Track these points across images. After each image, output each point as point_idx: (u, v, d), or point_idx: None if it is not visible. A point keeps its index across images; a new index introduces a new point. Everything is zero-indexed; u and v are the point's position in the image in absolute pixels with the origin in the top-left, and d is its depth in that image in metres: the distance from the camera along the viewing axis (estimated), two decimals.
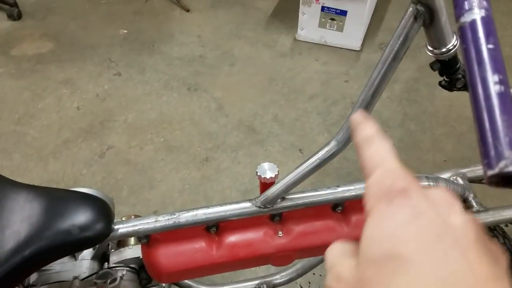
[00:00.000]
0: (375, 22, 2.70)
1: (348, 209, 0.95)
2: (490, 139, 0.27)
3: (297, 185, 0.88)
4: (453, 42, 0.69)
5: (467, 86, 0.59)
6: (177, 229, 0.82)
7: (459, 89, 0.77)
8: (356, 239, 0.99)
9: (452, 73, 0.73)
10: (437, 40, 0.69)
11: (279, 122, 2.11)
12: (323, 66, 2.44)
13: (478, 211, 0.95)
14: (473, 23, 0.31)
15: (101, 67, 2.42)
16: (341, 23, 2.40)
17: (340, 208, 0.95)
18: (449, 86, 0.76)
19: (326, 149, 0.85)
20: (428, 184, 0.93)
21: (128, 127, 2.08)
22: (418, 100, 2.22)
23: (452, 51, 0.69)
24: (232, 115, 2.15)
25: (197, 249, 0.85)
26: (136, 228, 0.82)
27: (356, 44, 2.49)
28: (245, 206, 0.89)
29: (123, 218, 1.05)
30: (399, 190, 0.29)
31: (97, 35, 2.64)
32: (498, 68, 0.29)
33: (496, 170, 0.26)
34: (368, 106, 0.77)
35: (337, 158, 2.16)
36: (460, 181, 1.04)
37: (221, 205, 0.88)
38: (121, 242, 1.04)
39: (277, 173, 0.92)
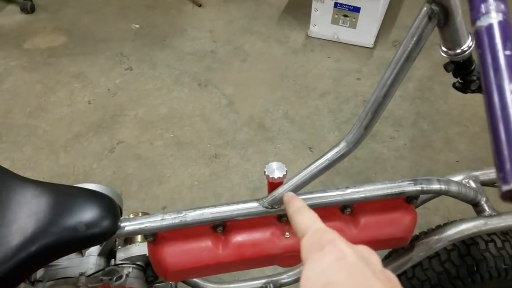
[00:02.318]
0: (389, 19, 2.66)
1: (357, 211, 0.94)
2: (506, 152, 0.26)
3: (306, 185, 0.87)
4: (468, 43, 0.67)
5: (482, 88, 0.57)
6: (183, 227, 0.81)
7: (473, 91, 0.75)
8: (364, 241, 0.98)
9: (467, 74, 0.71)
10: (451, 40, 0.67)
11: (289, 119, 2.10)
12: (335, 63, 2.41)
13: (490, 216, 0.93)
14: (490, 27, 0.30)
15: (113, 61, 2.42)
16: (354, 20, 2.37)
17: (349, 210, 0.94)
18: (463, 88, 0.74)
19: (335, 150, 0.84)
20: (440, 188, 0.91)
21: (138, 122, 2.09)
22: (432, 99, 2.18)
23: (467, 52, 0.67)
24: (242, 111, 2.14)
25: (203, 248, 0.85)
26: (142, 226, 0.82)
27: (369, 41, 2.45)
28: (252, 206, 0.88)
29: (131, 215, 1.05)
30: (328, 240, 0.38)
31: (109, 29, 2.64)
32: None
33: (508, 187, 0.25)
34: (379, 106, 0.76)
35: (348, 157, 2.13)
36: (473, 184, 1.02)
37: (228, 204, 0.87)
38: (128, 239, 1.04)
39: (285, 173, 0.90)
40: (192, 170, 1.87)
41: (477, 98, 2.13)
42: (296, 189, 0.87)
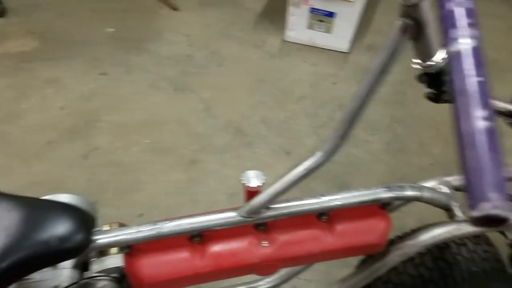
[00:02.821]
0: (364, 24, 2.70)
1: (333, 218, 0.95)
2: (473, 179, 0.26)
3: (283, 195, 0.87)
4: (441, 55, 0.69)
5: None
6: (159, 239, 0.80)
7: (445, 101, 0.77)
8: (340, 248, 0.99)
9: (439, 85, 0.73)
10: (424, 53, 0.69)
11: (267, 124, 2.11)
12: (311, 67, 2.43)
13: (462, 221, 0.96)
14: (461, 53, 0.30)
15: (87, 66, 2.38)
16: (329, 25, 2.40)
17: (325, 217, 0.95)
18: (436, 98, 0.76)
19: (313, 159, 0.84)
20: (413, 194, 0.93)
21: (113, 128, 2.06)
22: (405, 103, 2.23)
23: (439, 64, 0.69)
24: (220, 116, 2.13)
25: (180, 259, 0.84)
26: (117, 238, 0.81)
27: (344, 46, 2.49)
28: (230, 216, 0.88)
29: (106, 226, 1.03)
30: None
31: (84, 33, 2.59)
32: (485, 103, 0.28)
33: (479, 213, 0.26)
34: (355, 117, 0.77)
35: None
36: (445, 190, 1.04)
37: (205, 214, 0.87)
38: (104, 250, 1.02)
39: (263, 181, 0.91)
40: (169, 176, 1.85)
41: (443, 107, 2.19)
42: (273, 198, 0.88)
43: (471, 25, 0.31)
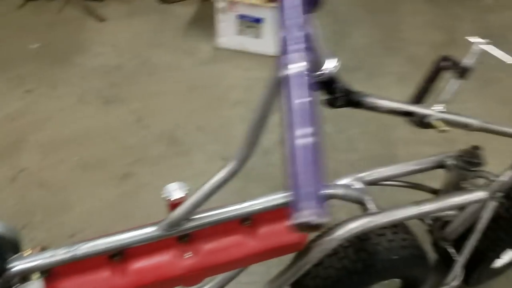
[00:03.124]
0: None
1: (256, 222, 0.98)
2: (294, 190, 0.30)
3: (201, 205, 0.89)
4: (328, 64, 0.74)
5: (350, 103, 0.65)
6: (77, 261, 0.80)
7: (340, 106, 0.82)
8: (264, 250, 1.02)
9: (333, 91, 0.78)
10: (313, 63, 0.74)
11: (202, 131, 2.11)
12: (244, 72, 2.47)
13: (373, 213, 1.02)
14: (290, 76, 0.34)
15: (11, 84, 2.27)
16: (258, 30, 2.45)
17: (248, 222, 0.97)
18: (331, 103, 0.81)
19: (227, 169, 0.87)
20: (327, 193, 0.98)
21: (41, 146, 1.98)
22: None
23: (328, 72, 0.74)
24: (152, 126, 2.11)
25: (100, 279, 0.84)
26: (33, 264, 0.79)
27: (275, 49, 2.54)
28: (149, 231, 0.89)
29: (27, 251, 1.00)
30: None
31: (6, 50, 2.48)
32: (308, 121, 0.31)
33: (295, 220, 0.29)
34: (259, 128, 0.80)
35: (261, 164, 2.20)
36: (358, 185, 1.10)
37: (123, 232, 0.87)
38: (26, 275, 0.99)
39: (187, 192, 0.92)
40: (101, 193, 1.81)
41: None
42: (193, 209, 0.90)
43: (302, 50, 0.35)
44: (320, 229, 0.31)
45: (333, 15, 2.90)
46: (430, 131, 1.05)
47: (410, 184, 1.23)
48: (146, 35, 2.65)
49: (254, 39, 2.49)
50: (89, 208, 1.76)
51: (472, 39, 1.04)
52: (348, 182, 1.11)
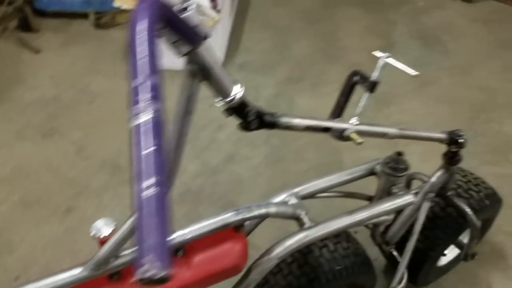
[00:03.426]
0: (233, 44, 2.79)
1: (189, 251, 0.96)
2: (138, 243, 0.28)
3: (127, 241, 0.86)
4: (236, 90, 0.74)
5: (264, 124, 0.65)
6: None
7: (256, 129, 0.82)
8: (200, 279, 0.99)
9: (245, 116, 0.78)
10: (221, 91, 0.74)
11: None
12: None
13: (309, 227, 1.02)
14: (139, 127, 0.33)
15: None
16: None
17: (181, 252, 0.95)
18: (246, 127, 0.81)
19: None
20: (259, 213, 0.98)
21: None
22: None
23: (238, 97, 0.74)
24: (94, 156, 2.05)
25: None
26: None
27: None
28: (76, 273, 0.85)
29: None
30: None
31: None
32: (153, 171, 0.30)
33: (140, 275, 0.28)
34: (176, 155, 0.79)
35: (209, 184, 2.16)
36: (294, 201, 1.11)
37: (48, 276, 0.83)
38: None
39: (114, 227, 0.89)
40: (44, 231, 1.74)
41: (318, 109, 2.34)
42: (120, 246, 0.87)
43: (150, 100, 0.34)
44: (166, 282, 0.30)
45: (273, 29, 2.94)
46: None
47: (345, 193, 1.25)
48: (83, 63, 2.59)
49: None
50: (33, 247, 1.68)
51: (377, 53, 1.07)
52: (284, 198, 1.12)
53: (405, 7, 3.26)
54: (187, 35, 0.61)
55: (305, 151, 2.14)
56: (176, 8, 0.61)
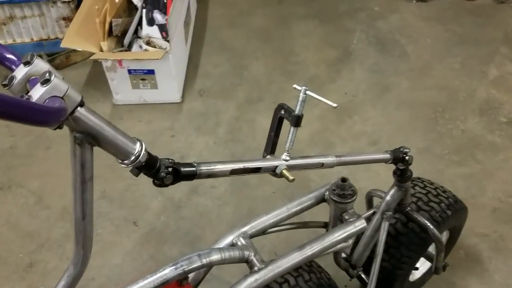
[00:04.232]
0: (192, 69, 2.75)
1: None
2: None
3: None
4: (138, 148, 0.69)
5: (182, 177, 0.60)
6: None
7: (172, 183, 0.78)
8: None
9: (157, 172, 0.74)
10: (119, 153, 0.69)
11: (107, 198, 2.01)
12: (147, 125, 2.40)
13: (259, 270, 0.97)
14: None
15: None
16: (153, 81, 2.39)
17: None
18: (160, 184, 0.76)
19: (66, 274, 0.80)
20: (202, 263, 0.92)
21: None
22: (242, 138, 2.29)
23: (141, 155, 0.69)
24: (54, 205, 1.98)
25: None
26: None
27: (175, 97, 2.50)
28: None
29: None
30: None
31: None
32: None
33: None
34: (87, 226, 0.74)
35: (173, 220, 2.10)
36: (242, 241, 1.05)
37: None
38: None
39: None
40: None
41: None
42: None
43: None
44: None
45: (230, 50, 2.91)
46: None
47: (298, 224, 1.21)
48: None
49: (151, 90, 2.44)
50: None
51: (296, 87, 1.04)
52: (233, 239, 1.06)
53: (361, 13, 3.27)
54: (35, 119, 0.51)
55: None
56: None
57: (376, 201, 1.38)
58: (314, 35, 3.05)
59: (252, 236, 1.07)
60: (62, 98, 0.56)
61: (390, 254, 1.31)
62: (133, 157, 0.68)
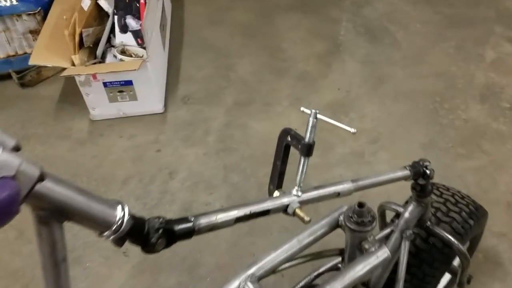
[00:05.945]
0: (173, 75, 2.59)
1: None
2: None
3: None
4: (119, 215, 0.54)
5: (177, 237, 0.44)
6: None
7: (168, 246, 0.63)
8: None
9: (145, 237, 0.59)
10: (97, 224, 0.54)
11: None
12: (129, 141, 2.23)
13: None
14: None
15: None
16: (131, 93, 2.22)
17: None
18: (151, 250, 0.61)
19: None
20: None
21: None
22: (234, 146, 2.14)
23: (125, 223, 0.55)
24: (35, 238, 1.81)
25: None
26: None
27: (157, 107, 2.34)
28: None
29: None
30: None
31: None
32: None
33: None
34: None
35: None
36: (250, 287, 0.91)
37: None
38: None
39: None
40: None
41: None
42: None
43: None
44: None
45: (213, 50, 2.75)
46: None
47: (312, 256, 1.07)
48: (12, 129, 2.33)
49: (131, 102, 2.27)
50: None
51: (305, 109, 0.89)
52: (240, 284, 0.92)
53: (346, 2, 3.13)
54: None
55: (267, 183, 1.96)
56: None
57: (389, 214, 1.25)
58: (299, 27, 2.90)
59: (261, 277, 0.92)
60: (12, 178, 0.40)
61: (412, 273, 1.19)
62: (114, 226, 0.53)
